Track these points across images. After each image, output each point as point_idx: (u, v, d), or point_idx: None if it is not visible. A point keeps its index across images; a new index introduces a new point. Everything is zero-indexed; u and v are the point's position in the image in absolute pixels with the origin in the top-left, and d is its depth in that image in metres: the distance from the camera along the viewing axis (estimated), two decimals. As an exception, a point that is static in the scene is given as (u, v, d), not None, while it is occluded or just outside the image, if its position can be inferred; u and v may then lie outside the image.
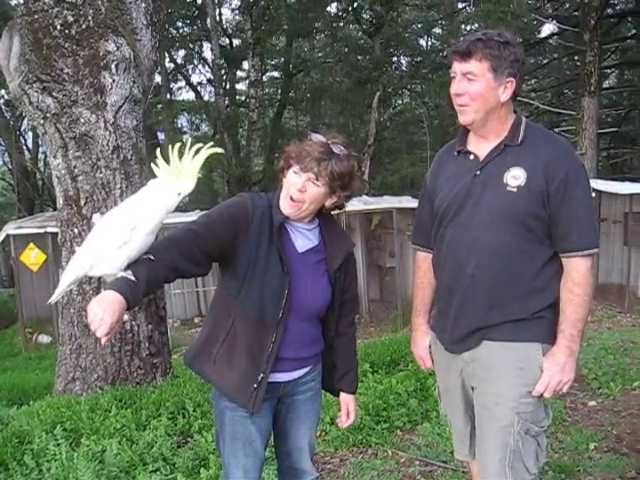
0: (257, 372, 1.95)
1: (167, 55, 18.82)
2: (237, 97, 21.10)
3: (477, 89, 1.96)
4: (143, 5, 4.65)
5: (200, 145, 1.76)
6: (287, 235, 2.00)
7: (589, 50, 12.52)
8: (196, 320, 11.24)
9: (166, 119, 17.76)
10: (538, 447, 2.03)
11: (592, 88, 12.56)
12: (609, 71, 19.32)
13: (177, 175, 1.74)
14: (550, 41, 17.44)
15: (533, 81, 17.88)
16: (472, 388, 2.14)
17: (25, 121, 18.46)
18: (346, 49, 19.68)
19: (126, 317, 4.42)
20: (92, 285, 4.42)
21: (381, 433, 3.72)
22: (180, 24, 19.54)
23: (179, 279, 1.90)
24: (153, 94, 13.54)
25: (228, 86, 19.69)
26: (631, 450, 3.44)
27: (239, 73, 21.48)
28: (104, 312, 1.58)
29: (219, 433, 2.09)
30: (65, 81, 4.30)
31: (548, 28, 17.68)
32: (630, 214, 10.09)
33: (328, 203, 1.98)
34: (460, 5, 19.20)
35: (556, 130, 13.55)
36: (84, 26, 4.35)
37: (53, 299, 1.91)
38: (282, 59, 20.64)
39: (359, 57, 19.72)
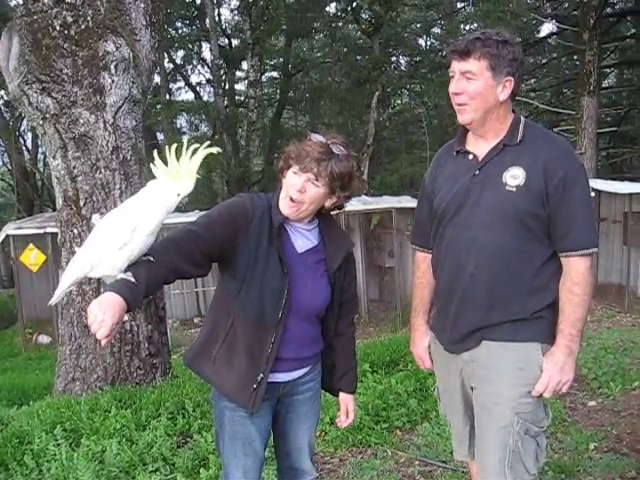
0: (257, 372, 1.95)
1: (166, 55, 18.80)
2: (236, 97, 21.08)
3: (476, 88, 1.96)
4: (142, 5, 4.65)
5: (197, 145, 1.76)
6: (287, 235, 2.00)
7: (588, 49, 12.52)
8: (195, 320, 11.25)
9: (165, 119, 17.77)
10: (538, 447, 2.03)
11: (591, 87, 12.56)
12: (608, 70, 19.33)
13: (175, 176, 1.74)
14: (549, 40, 17.42)
15: (532, 81, 17.86)
16: (471, 388, 2.14)
17: (24, 122, 18.49)
18: (345, 49, 19.69)
19: (125, 317, 4.41)
20: (92, 285, 4.42)
21: (381, 433, 3.72)
22: (179, 24, 19.58)
23: (178, 279, 1.90)
24: (152, 94, 13.53)
25: (227, 86, 19.67)
26: (631, 450, 3.43)
27: (238, 73, 21.47)
28: (104, 314, 1.57)
29: (219, 433, 2.09)
30: (64, 82, 4.30)
31: (547, 27, 17.72)
32: (630, 214, 10.10)
33: (328, 203, 1.98)
34: (459, 5, 19.20)
35: (555, 130, 13.54)
36: (83, 27, 4.35)
37: (53, 301, 1.91)
38: (281, 59, 20.65)
39: (358, 57, 19.72)
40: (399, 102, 22.95)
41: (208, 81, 21.61)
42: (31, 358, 9.22)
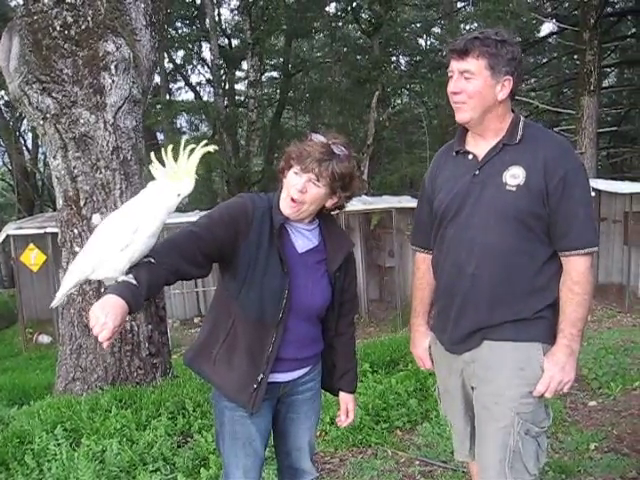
0: (257, 372, 1.95)
1: (166, 55, 18.81)
2: (236, 97, 21.08)
3: (474, 87, 1.96)
4: (142, 6, 4.66)
5: (193, 145, 1.75)
6: (287, 236, 2.00)
7: (589, 49, 12.53)
8: (196, 320, 11.25)
9: (165, 119, 17.77)
10: (539, 448, 2.03)
11: (592, 87, 12.57)
12: (609, 70, 19.32)
13: (175, 176, 1.74)
14: (549, 40, 17.42)
15: (532, 80, 17.84)
16: (472, 388, 2.14)
17: (25, 122, 18.49)
18: (345, 49, 19.69)
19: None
20: (92, 286, 4.42)
21: (381, 433, 3.72)
22: (179, 24, 19.58)
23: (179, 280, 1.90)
24: (152, 94, 13.55)
25: (227, 86, 19.67)
26: (632, 450, 3.43)
27: (238, 73, 21.47)
28: (106, 316, 1.57)
29: (219, 433, 2.09)
30: (65, 82, 4.31)
31: (547, 27, 17.71)
32: (630, 213, 10.10)
33: (328, 204, 1.98)
34: (459, 4, 19.19)
35: (556, 129, 13.54)
36: (83, 27, 4.35)
37: (55, 303, 1.90)
38: (281, 59, 20.64)
39: (358, 57, 19.72)
40: (399, 102, 22.93)
41: (208, 81, 21.60)
42: (31, 358, 9.23)
